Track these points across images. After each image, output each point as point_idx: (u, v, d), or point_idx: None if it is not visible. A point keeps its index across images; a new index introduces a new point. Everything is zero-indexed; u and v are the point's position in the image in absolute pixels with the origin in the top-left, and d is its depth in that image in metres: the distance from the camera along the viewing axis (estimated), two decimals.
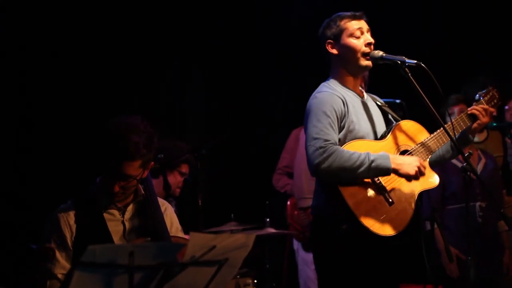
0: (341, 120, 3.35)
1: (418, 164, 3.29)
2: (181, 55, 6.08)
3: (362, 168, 3.21)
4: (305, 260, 5.13)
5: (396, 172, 3.27)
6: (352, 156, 3.21)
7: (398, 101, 4.22)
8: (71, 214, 3.06)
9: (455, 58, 6.49)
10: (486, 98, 3.66)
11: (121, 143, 2.97)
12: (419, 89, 3.35)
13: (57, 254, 2.98)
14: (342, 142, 3.33)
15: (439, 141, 3.47)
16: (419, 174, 3.29)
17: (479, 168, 5.02)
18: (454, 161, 4.89)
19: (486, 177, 4.94)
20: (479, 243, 4.72)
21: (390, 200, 3.28)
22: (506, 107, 5.72)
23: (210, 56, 6.19)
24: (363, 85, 4.73)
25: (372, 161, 3.21)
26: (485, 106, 3.57)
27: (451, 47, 6.58)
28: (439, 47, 6.55)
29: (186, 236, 3.21)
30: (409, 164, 3.27)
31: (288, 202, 5.42)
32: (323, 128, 3.26)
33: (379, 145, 3.38)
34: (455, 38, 6.58)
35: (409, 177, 3.28)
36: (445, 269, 4.87)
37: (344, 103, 3.38)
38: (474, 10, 6.51)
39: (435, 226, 4.80)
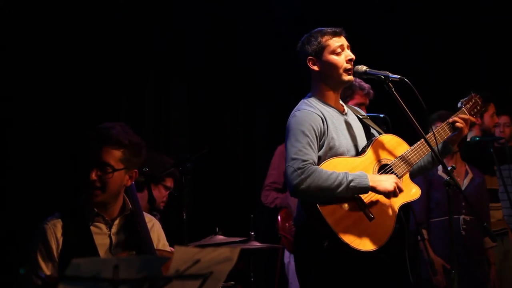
0: (321, 138, 3.36)
1: (395, 181, 3.31)
2: (163, 70, 6.10)
3: (341, 188, 3.22)
4: None
5: (374, 190, 3.29)
6: (330, 177, 3.23)
7: (382, 115, 4.25)
8: (58, 226, 3.05)
9: (442, 72, 6.56)
10: (468, 106, 3.63)
11: (104, 130, 3.05)
12: (402, 103, 3.38)
13: (43, 265, 2.98)
14: (322, 159, 3.34)
15: (419, 152, 3.49)
16: (397, 191, 3.31)
17: (465, 182, 5.02)
18: (440, 173, 4.91)
19: (472, 192, 4.95)
20: (463, 256, 4.72)
21: (371, 215, 3.30)
22: (496, 122, 5.75)
23: (194, 70, 6.22)
24: (366, 103, 4.75)
25: (351, 181, 3.23)
26: (466, 116, 3.57)
27: (438, 61, 6.65)
28: (425, 61, 6.62)
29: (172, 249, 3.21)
30: (386, 181, 3.29)
31: (279, 215, 5.43)
32: (301, 148, 3.28)
33: (358, 161, 3.40)
34: (443, 52, 6.65)
35: (387, 194, 3.31)
36: (432, 281, 4.88)
37: (323, 121, 3.39)
38: (459, 24, 6.59)
39: (419, 239, 4.81)
